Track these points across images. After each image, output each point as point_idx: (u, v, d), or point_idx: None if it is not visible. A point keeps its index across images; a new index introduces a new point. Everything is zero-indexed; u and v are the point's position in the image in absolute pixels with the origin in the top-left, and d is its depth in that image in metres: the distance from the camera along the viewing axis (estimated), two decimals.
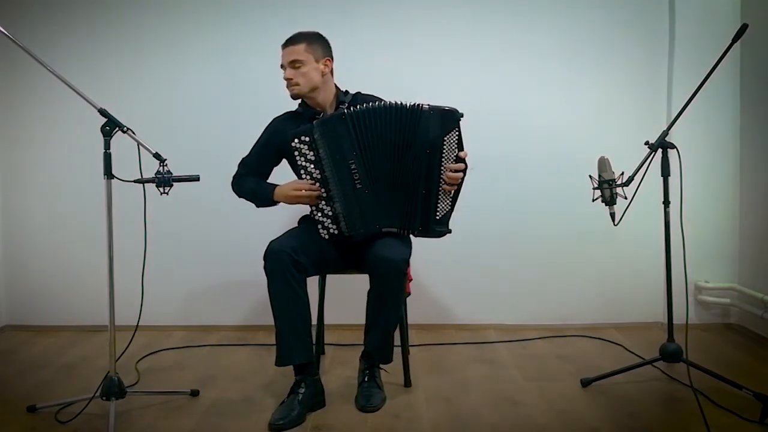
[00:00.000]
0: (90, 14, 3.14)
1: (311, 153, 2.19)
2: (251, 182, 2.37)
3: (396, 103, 2.19)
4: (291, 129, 2.23)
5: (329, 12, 3.05)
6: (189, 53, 3.16)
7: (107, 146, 1.97)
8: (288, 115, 2.40)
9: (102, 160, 1.97)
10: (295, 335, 2.13)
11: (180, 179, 2.02)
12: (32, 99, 3.17)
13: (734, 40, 2.13)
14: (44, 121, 3.19)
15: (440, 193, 2.21)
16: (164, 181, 2.01)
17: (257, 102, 3.01)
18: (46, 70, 1.95)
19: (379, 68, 3.03)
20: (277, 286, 2.12)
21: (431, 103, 2.17)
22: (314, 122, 2.19)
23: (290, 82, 2.28)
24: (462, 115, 2.18)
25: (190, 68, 3.16)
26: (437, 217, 2.23)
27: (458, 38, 3.13)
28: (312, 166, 2.20)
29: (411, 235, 2.29)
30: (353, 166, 2.18)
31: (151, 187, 2.02)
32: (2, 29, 1.89)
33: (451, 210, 2.26)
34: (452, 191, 2.23)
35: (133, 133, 1.99)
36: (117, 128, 1.97)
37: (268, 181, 2.41)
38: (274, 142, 2.35)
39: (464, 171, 2.22)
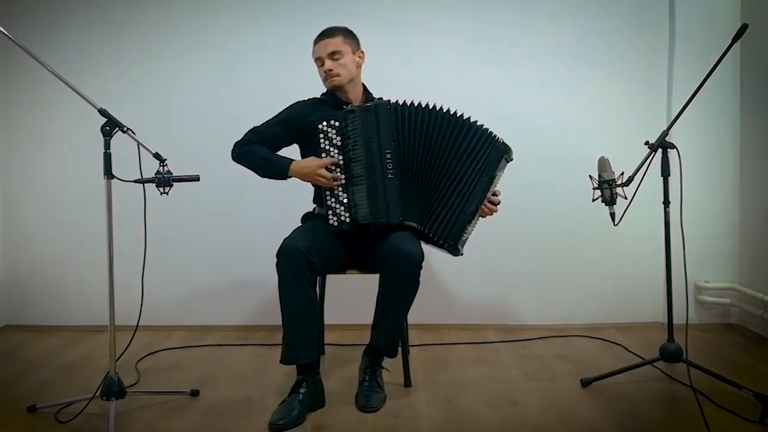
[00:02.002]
0: (90, 14, 3.14)
1: (337, 138, 2.20)
2: (264, 150, 2.32)
3: (464, 117, 2.25)
4: (315, 114, 2.24)
5: (329, 13, 3.05)
6: (189, 53, 3.16)
7: (107, 146, 1.97)
8: (312, 101, 2.41)
9: (102, 160, 1.97)
10: (302, 335, 2.12)
11: (180, 179, 2.02)
12: (32, 99, 3.17)
13: (734, 40, 2.13)
14: (44, 120, 3.19)
15: (476, 217, 2.29)
16: (164, 181, 2.00)
17: (257, 102, 3.01)
18: (46, 70, 1.95)
19: (378, 68, 3.03)
20: (288, 284, 2.10)
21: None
22: (354, 106, 2.24)
23: (330, 74, 2.31)
24: (512, 159, 2.33)
25: (191, 68, 3.16)
26: (463, 237, 2.29)
27: (458, 38, 3.13)
28: (336, 150, 2.21)
29: (434, 245, 2.31)
30: (388, 156, 2.21)
31: (151, 187, 2.02)
32: (2, 29, 1.89)
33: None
34: (479, 219, 2.31)
35: (133, 133, 1.98)
36: (117, 128, 1.96)
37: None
38: (297, 122, 2.34)
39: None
